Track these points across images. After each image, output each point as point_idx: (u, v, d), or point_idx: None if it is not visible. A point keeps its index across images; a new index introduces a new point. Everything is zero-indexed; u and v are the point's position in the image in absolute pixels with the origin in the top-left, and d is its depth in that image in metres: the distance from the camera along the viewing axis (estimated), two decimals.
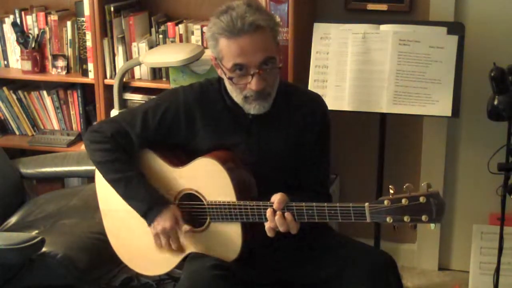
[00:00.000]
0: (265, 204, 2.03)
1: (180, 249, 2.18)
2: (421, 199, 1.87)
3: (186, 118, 2.19)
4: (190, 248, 2.19)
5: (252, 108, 2.11)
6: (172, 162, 2.20)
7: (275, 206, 1.99)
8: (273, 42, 2.08)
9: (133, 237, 2.30)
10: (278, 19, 2.15)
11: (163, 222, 2.10)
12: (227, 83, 2.13)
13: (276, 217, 1.99)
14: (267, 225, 2.02)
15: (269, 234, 2.03)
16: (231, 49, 2.03)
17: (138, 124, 2.19)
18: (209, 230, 2.15)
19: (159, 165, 2.21)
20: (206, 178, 2.13)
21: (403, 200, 1.89)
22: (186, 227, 2.12)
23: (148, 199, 2.12)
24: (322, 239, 2.20)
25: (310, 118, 2.21)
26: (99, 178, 2.30)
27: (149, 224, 2.16)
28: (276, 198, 2.00)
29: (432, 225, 1.90)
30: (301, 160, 2.20)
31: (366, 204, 1.94)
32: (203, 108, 2.19)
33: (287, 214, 1.99)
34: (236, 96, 2.12)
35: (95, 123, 3.16)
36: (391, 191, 1.91)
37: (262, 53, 2.03)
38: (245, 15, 2.01)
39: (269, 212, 2.00)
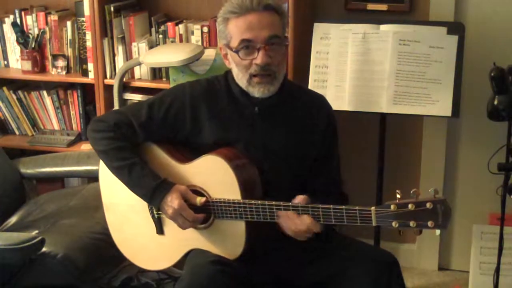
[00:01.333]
0: (270, 203, 2.04)
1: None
2: (428, 205, 1.87)
3: (191, 112, 2.20)
4: (192, 244, 2.19)
5: (256, 91, 2.13)
6: (177, 157, 2.21)
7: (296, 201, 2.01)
8: (281, 27, 2.13)
9: (135, 231, 2.30)
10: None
11: (171, 203, 2.09)
12: (234, 65, 2.15)
13: (290, 216, 2.00)
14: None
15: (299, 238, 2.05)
16: (239, 26, 2.09)
17: (143, 115, 2.21)
18: (212, 227, 2.16)
19: (165, 160, 2.21)
20: (211, 175, 2.13)
21: (410, 206, 1.89)
22: (200, 198, 2.11)
23: (151, 184, 2.12)
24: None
25: (315, 117, 2.23)
26: (102, 171, 2.30)
27: (158, 210, 2.17)
28: (298, 197, 2.03)
29: (438, 231, 1.90)
30: (308, 159, 2.21)
31: (373, 208, 1.94)
32: (209, 103, 2.20)
33: (306, 216, 2.00)
34: (242, 78, 2.14)
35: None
36: (398, 196, 1.91)
37: (269, 30, 2.09)
38: None
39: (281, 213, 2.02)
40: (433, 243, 3.32)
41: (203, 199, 2.11)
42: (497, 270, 2.80)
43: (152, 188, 2.11)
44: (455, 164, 3.25)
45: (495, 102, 2.60)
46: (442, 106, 2.72)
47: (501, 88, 2.58)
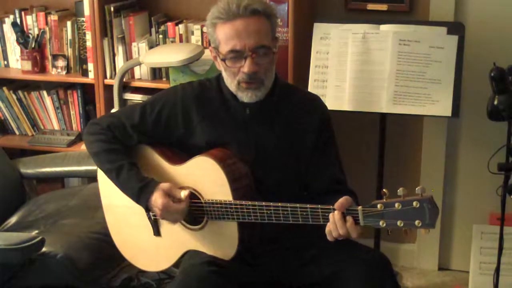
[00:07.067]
0: (261, 204, 2.04)
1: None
2: (415, 204, 1.86)
3: (183, 115, 2.21)
4: (188, 246, 2.20)
5: (245, 96, 2.13)
6: (170, 159, 2.21)
7: (336, 206, 1.95)
8: (269, 31, 2.11)
9: (134, 232, 2.31)
10: (277, 14, 2.18)
11: (155, 202, 2.10)
12: (223, 70, 2.16)
13: (336, 219, 1.94)
14: (327, 227, 1.98)
15: (329, 237, 1.99)
16: (226, 33, 2.07)
17: (136, 118, 2.22)
18: (206, 229, 2.16)
19: (158, 162, 2.22)
20: (203, 176, 2.13)
21: (396, 205, 1.87)
22: (184, 192, 2.10)
23: (136, 186, 2.13)
24: (319, 239, 2.20)
25: (308, 117, 2.22)
26: (101, 173, 2.31)
27: (147, 211, 2.18)
28: (339, 201, 1.96)
29: (425, 230, 1.88)
30: (301, 160, 2.20)
31: (359, 207, 1.93)
32: (201, 105, 2.21)
33: (348, 218, 1.94)
34: (231, 83, 2.14)
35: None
36: (385, 195, 1.90)
37: (256, 37, 2.06)
38: (241, 0, 2.06)
39: (331, 215, 1.96)
40: (433, 243, 3.32)
41: (186, 192, 2.11)
42: (497, 270, 2.80)
43: (137, 190, 2.13)
44: (455, 164, 3.25)
45: (495, 102, 2.59)
46: (442, 106, 2.72)
47: (501, 88, 2.57)
